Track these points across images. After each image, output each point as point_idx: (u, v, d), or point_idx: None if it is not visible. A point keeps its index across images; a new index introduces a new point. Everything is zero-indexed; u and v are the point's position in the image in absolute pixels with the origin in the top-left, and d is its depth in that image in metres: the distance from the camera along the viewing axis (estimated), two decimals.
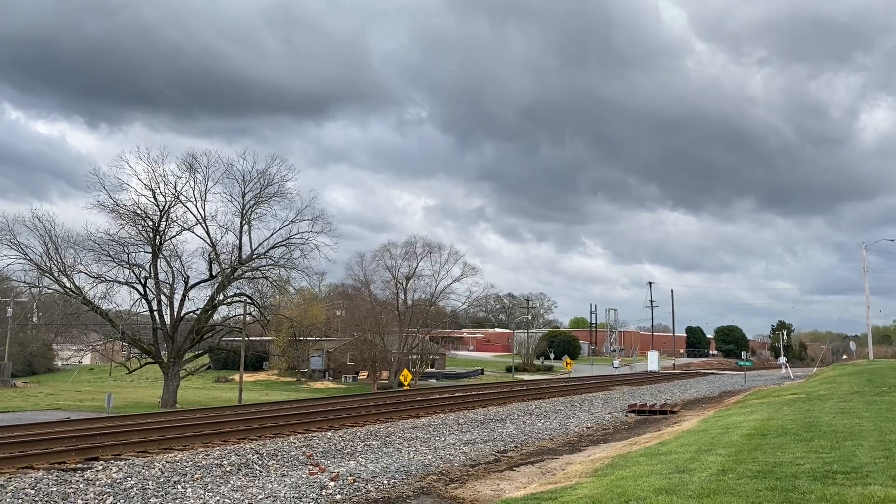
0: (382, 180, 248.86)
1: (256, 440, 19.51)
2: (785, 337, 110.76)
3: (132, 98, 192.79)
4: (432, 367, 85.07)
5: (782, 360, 79.71)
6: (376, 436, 20.79)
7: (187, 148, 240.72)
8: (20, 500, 11.93)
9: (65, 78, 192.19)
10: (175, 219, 45.64)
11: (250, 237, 47.35)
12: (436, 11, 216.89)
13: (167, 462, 15.48)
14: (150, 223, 44.39)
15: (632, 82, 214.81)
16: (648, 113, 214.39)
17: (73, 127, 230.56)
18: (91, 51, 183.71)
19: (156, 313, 44.69)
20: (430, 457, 17.20)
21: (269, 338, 75.55)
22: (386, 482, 13.94)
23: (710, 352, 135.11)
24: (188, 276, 46.34)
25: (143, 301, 44.42)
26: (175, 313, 45.35)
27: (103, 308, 43.20)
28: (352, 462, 16.41)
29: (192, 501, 12.29)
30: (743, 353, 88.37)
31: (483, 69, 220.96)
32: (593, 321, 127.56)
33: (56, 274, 42.41)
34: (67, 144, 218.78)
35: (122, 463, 15.36)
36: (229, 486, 13.51)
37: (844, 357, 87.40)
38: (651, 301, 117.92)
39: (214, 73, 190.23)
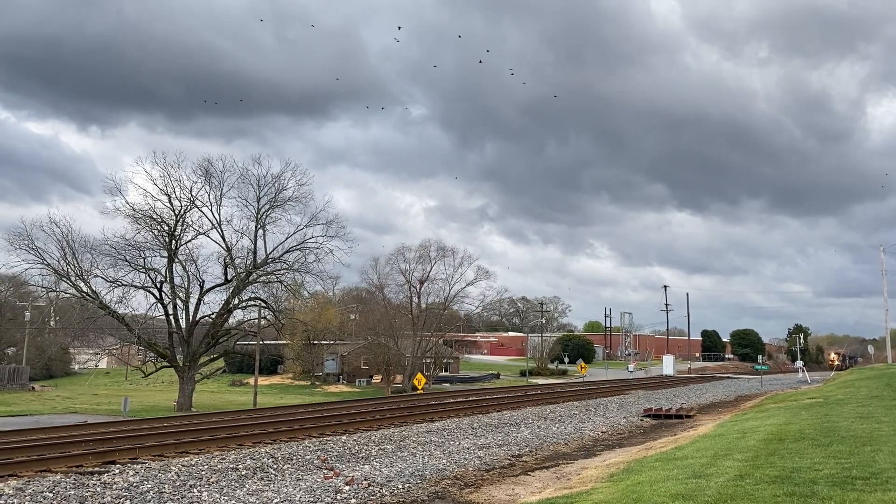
0: (383, 181, 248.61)
1: (272, 444, 19.58)
2: (801, 340, 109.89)
3: (127, 97, 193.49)
4: (446, 370, 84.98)
5: (799, 363, 79.11)
6: (391, 440, 20.79)
7: (184, 148, 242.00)
8: (38, 503, 12.05)
9: (57, 78, 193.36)
10: (190, 223, 45.95)
11: (265, 241, 47.58)
12: (429, 5, 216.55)
13: (183, 466, 15.55)
14: (166, 228, 44.68)
15: (630, 78, 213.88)
16: (648, 109, 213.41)
17: (65, 127, 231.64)
18: (84, 50, 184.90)
19: (171, 317, 44.92)
20: (444, 461, 17.18)
21: (284, 341, 75.75)
22: (401, 486, 13.94)
23: (726, 355, 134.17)
24: (203, 281, 46.62)
25: (159, 305, 44.67)
26: (190, 317, 45.57)
27: (119, 312, 43.46)
28: (366, 466, 16.41)
29: None
30: (759, 356, 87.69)
31: (481, 65, 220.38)
32: (608, 325, 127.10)
33: (73, 278, 42.75)
34: (61, 143, 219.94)
35: (139, 466, 15.45)
36: (245, 490, 13.55)
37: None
38: (666, 305, 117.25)
39: (211, 71, 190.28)
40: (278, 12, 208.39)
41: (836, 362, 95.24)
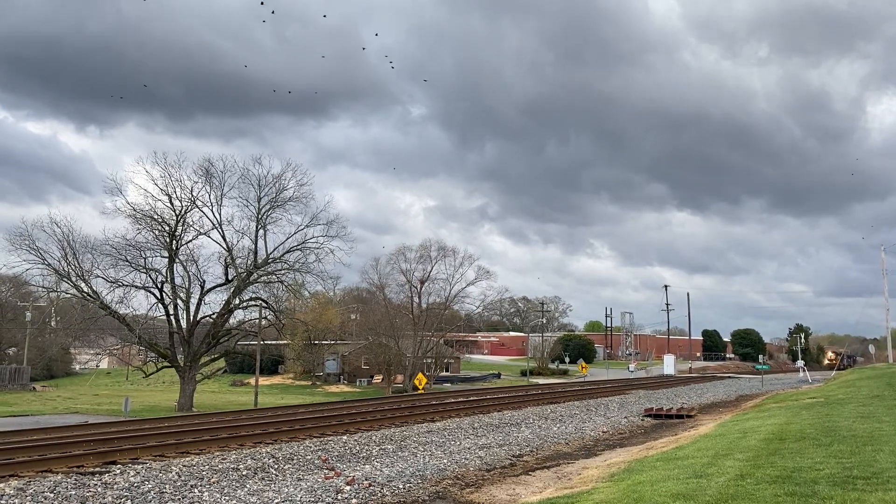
0: (383, 181, 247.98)
1: (272, 444, 19.58)
2: (802, 340, 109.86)
3: (126, 97, 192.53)
4: (447, 370, 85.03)
5: (800, 363, 79.14)
6: (391, 440, 20.79)
7: (183, 148, 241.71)
8: (40, 503, 12.05)
9: (57, 78, 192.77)
10: (191, 223, 45.95)
11: (265, 242, 47.58)
12: (429, 5, 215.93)
13: (184, 466, 15.56)
14: (167, 228, 44.69)
15: (630, 78, 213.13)
16: (648, 109, 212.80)
17: (64, 127, 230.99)
18: (84, 50, 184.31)
19: (172, 317, 44.93)
20: (445, 461, 17.18)
21: (285, 342, 75.81)
22: (401, 486, 13.94)
23: (727, 355, 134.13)
24: (204, 281, 46.60)
25: (160, 305, 44.67)
26: (191, 317, 45.58)
27: (120, 312, 43.48)
28: (367, 466, 16.42)
29: None
30: (760, 356, 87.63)
31: (481, 65, 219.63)
32: (608, 325, 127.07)
33: (74, 278, 42.76)
34: (60, 143, 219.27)
35: (140, 466, 15.46)
36: (245, 490, 13.56)
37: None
38: (667, 304, 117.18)
39: (211, 71, 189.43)
40: (277, 12, 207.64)
41: (835, 361, 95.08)
